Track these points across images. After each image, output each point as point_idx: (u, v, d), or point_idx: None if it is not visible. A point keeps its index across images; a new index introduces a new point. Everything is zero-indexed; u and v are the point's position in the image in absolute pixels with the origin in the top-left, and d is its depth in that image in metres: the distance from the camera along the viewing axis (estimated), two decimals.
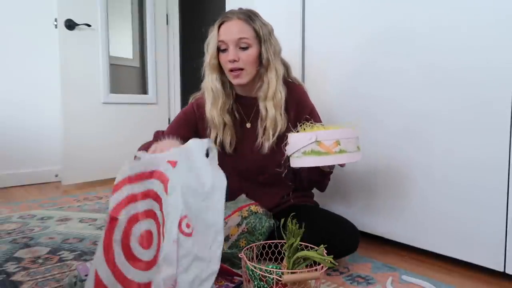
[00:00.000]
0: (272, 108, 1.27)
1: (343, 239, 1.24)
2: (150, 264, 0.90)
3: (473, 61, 1.20)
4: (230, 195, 1.29)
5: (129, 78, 3.15)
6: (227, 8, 2.00)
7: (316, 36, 1.64)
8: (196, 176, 0.96)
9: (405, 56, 1.36)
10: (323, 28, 1.61)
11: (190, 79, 3.93)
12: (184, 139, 1.23)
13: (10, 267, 1.26)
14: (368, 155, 1.49)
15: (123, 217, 0.93)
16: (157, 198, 0.93)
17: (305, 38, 1.68)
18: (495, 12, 1.15)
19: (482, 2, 1.17)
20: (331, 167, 1.23)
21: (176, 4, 3.23)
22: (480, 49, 1.18)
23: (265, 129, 1.29)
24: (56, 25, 2.49)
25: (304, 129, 1.14)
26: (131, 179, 0.98)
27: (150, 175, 0.97)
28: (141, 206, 0.95)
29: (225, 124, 1.30)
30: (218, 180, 0.98)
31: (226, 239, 1.18)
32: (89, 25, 2.60)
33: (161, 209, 0.91)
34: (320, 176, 1.31)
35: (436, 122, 1.29)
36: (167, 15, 3.16)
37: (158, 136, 1.29)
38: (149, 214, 0.95)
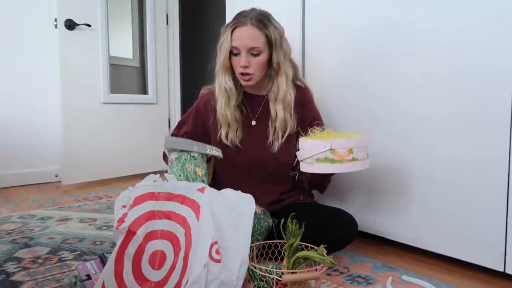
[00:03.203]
0: (281, 110, 1.33)
1: (340, 228, 1.27)
2: (157, 286, 0.92)
3: (473, 61, 1.20)
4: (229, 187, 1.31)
5: (129, 78, 3.15)
6: (227, 8, 2.00)
7: (315, 34, 1.65)
8: (225, 200, 1.00)
9: (405, 56, 1.36)
10: (322, 27, 1.62)
11: (190, 79, 3.93)
12: (202, 130, 1.39)
13: (10, 267, 1.26)
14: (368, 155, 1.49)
15: (141, 232, 0.94)
16: (185, 225, 0.95)
17: (305, 35, 1.68)
18: (495, 12, 1.15)
19: (482, 1, 1.17)
20: None
21: (176, 4, 3.23)
22: (480, 49, 1.18)
23: (275, 129, 1.35)
24: (56, 25, 2.49)
25: (315, 134, 1.16)
26: (155, 196, 0.99)
27: (177, 198, 0.98)
28: (160, 224, 0.97)
29: (235, 120, 1.36)
30: (246, 204, 1.01)
31: None
32: (89, 25, 2.60)
33: (188, 236, 0.93)
34: (322, 177, 1.33)
35: (436, 122, 1.29)
36: (167, 15, 3.16)
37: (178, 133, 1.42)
38: (168, 235, 0.96)
